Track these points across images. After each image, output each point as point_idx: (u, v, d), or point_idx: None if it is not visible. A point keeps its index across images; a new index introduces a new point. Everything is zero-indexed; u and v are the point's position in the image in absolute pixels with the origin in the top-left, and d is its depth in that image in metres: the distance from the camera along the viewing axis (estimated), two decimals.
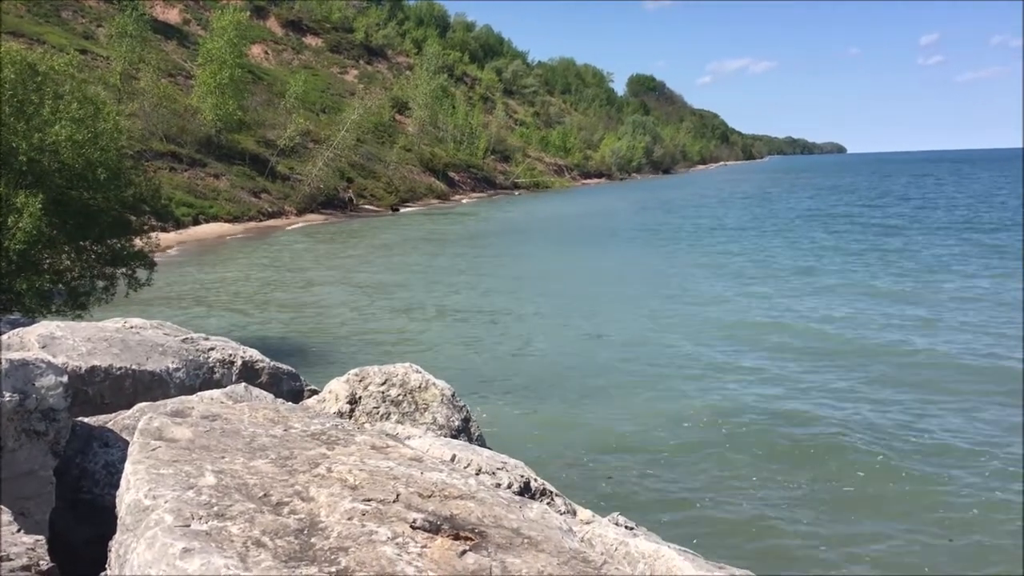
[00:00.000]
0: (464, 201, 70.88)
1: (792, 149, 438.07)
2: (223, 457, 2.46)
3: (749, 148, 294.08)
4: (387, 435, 3.18)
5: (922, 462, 9.81)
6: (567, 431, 11.14)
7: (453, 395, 4.84)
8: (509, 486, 3.13)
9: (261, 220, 45.08)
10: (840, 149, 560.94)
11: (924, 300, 20.11)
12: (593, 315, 19.43)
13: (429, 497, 2.31)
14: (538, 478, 3.34)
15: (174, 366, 4.68)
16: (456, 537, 2.12)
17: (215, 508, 2.10)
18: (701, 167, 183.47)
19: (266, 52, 78.48)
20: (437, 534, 2.12)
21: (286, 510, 2.14)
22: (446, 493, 2.35)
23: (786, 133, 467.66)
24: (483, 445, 4.81)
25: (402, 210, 58.68)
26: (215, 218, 41.60)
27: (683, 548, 2.63)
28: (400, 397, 4.70)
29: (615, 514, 3.25)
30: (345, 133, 56.09)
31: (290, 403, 3.95)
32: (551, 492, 3.36)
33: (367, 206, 56.96)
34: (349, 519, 2.12)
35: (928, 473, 9.47)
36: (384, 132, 72.04)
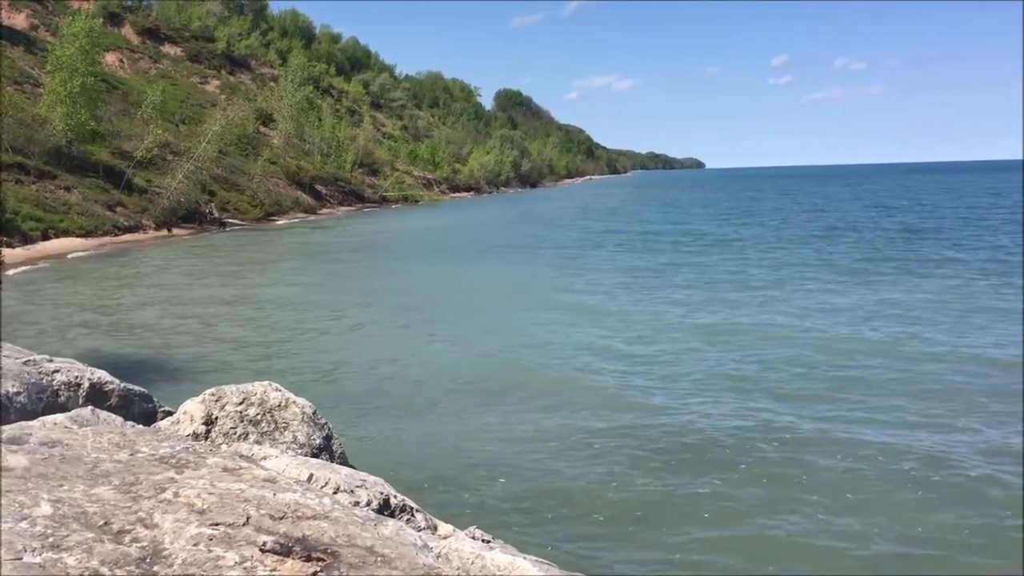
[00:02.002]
0: (333, 215, 69.93)
1: (654, 164, 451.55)
2: (62, 485, 2.35)
3: (614, 163, 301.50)
4: (241, 456, 3.11)
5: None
6: (434, 445, 11.12)
7: (315, 413, 4.76)
8: (368, 504, 3.10)
9: (117, 235, 43.13)
10: (699, 164, 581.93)
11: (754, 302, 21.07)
12: (460, 329, 19.47)
13: (281, 519, 2.27)
14: (398, 495, 3.32)
15: (14, 390, 4.43)
16: (308, 559, 2.09)
17: (50, 539, 2.01)
18: (568, 181, 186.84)
19: (121, 60, 75.37)
20: (288, 556, 2.08)
21: (128, 538, 2.07)
22: (299, 514, 2.31)
23: (649, 148, 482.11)
24: (346, 463, 4.74)
25: (278, 221, 57.46)
26: (66, 233, 39.53)
27: (539, 559, 2.67)
28: (259, 416, 4.59)
29: (472, 528, 3.26)
30: (207, 145, 54.42)
31: (140, 426, 3.80)
32: (411, 508, 3.34)
33: (231, 220, 55.43)
34: (195, 545, 2.06)
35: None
36: (248, 144, 70.26)
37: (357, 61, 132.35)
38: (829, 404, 12.74)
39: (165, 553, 2.01)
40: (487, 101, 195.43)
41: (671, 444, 11.04)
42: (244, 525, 2.19)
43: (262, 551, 2.07)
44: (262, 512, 2.28)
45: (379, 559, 2.13)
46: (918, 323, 18.68)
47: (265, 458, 3.45)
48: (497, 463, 10.40)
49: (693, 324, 19.29)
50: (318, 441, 4.57)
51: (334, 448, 4.69)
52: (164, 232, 46.97)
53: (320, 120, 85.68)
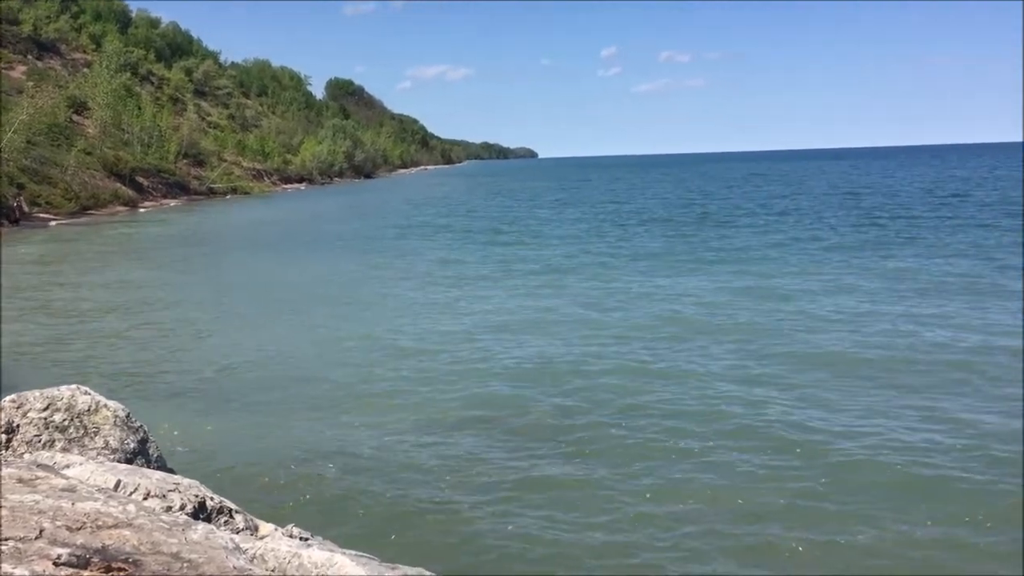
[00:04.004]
0: (156, 208, 66.82)
1: (489, 154, 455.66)
2: None
3: (448, 152, 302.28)
4: (39, 466, 2.94)
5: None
6: (263, 443, 10.84)
7: (128, 416, 4.54)
8: (182, 508, 2.99)
9: None
10: (532, 154, 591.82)
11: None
12: (296, 323, 19.06)
13: (79, 529, 2.16)
14: (216, 496, 3.22)
15: None
16: (107, 570, 2.00)
17: None
18: (403, 171, 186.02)
19: None
20: (85, 569, 1.98)
21: None
22: (99, 523, 2.20)
23: (483, 138, 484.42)
24: (164, 466, 4.56)
25: (97, 214, 54.25)
26: None
27: (359, 553, 2.65)
28: (66, 422, 4.34)
29: (290, 526, 3.21)
30: (13, 135, 50.89)
31: None
32: (230, 509, 3.25)
33: (42, 214, 52.04)
34: None
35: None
36: (60, 134, 66.05)
37: (178, 47, 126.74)
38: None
39: None
40: (318, 90, 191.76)
41: (502, 434, 11.18)
42: (37, 539, 2.07)
43: (56, 564, 1.96)
44: (58, 524, 2.16)
45: (185, 564, 2.06)
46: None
47: (68, 466, 3.27)
48: (326, 458, 10.25)
49: (507, 312, 19.63)
50: (132, 445, 4.37)
51: (150, 452, 4.50)
52: None
53: (140, 108, 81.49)
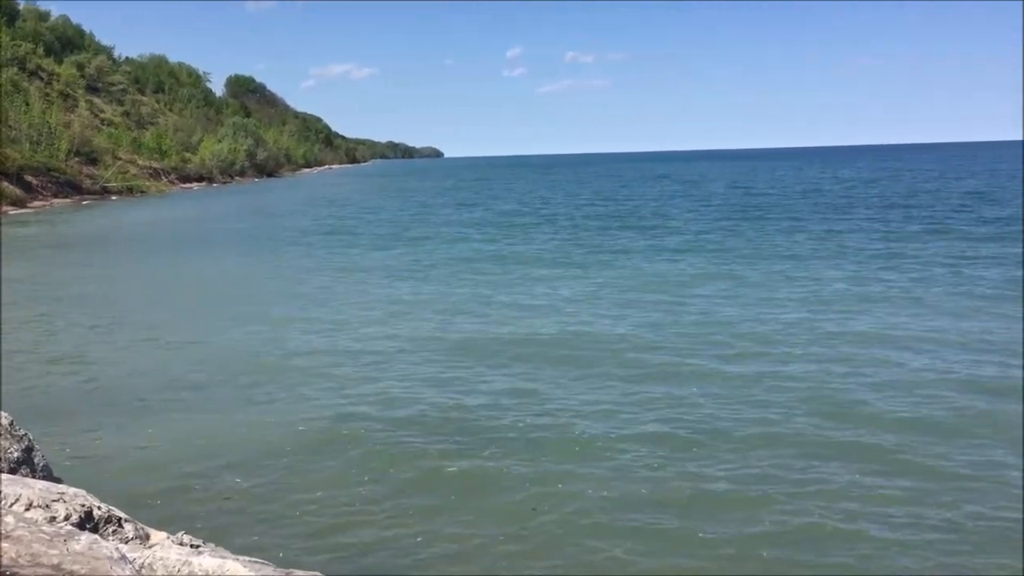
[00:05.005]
0: (45, 208, 64.22)
1: (394, 153, 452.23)
2: None
3: (353, 152, 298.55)
4: None
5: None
6: (157, 450, 10.56)
7: (11, 424, 4.37)
8: (67, 518, 2.88)
9: None
10: (438, 153, 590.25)
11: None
12: (185, 327, 18.60)
13: None
14: (103, 505, 3.12)
15: None
16: None
17: None
18: (307, 170, 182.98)
19: None
20: None
21: None
22: None
23: (388, 138, 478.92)
24: (50, 476, 4.40)
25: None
26: None
27: (252, 560, 2.60)
28: None
29: (181, 534, 3.13)
30: None
31: None
32: (119, 519, 3.15)
33: None
34: None
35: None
36: None
37: (69, 41, 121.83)
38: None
39: None
40: (218, 87, 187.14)
41: (398, 437, 11.15)
42: None
43: None
44: None
45: None
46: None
47: None
48: (222, 464, 10.06)
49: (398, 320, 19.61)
50: (16, 454, 4.20)
51: (36, 461, 4.34)
52: None
53: (28, 104, 78.16)
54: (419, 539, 8.07)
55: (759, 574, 7.50)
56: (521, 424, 11.39)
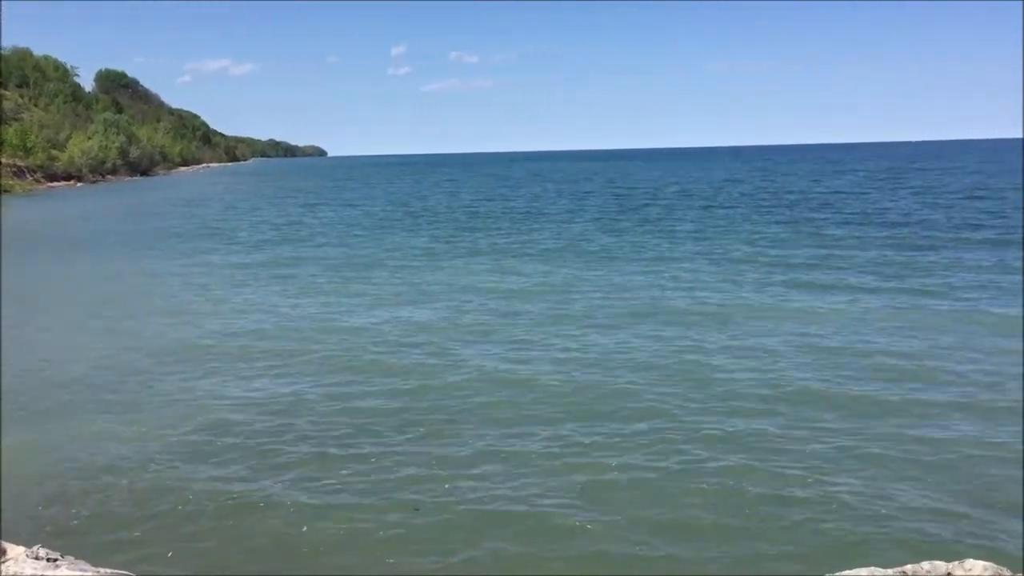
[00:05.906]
0: None
1: (275, 152, 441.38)
2: None
3: (232, 150, 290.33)
4: None
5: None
6: (27, 460, 10.43)
7: None
8: None
9: None
10: (321, 152, 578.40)
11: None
12: (60, 331, 18.30)
13: None
14: None
15: None
16: None
17: None
18: (184, 169, 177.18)
19: None
20: None
21: None
22: None
23: (269, 136, 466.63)
24: None
25: None
26: None
27: (116, 571, 2.82)
28: None
29: (37, 547, 3.22)
30: None
31: None
32: None
33: None
34: None
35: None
36: None
37: None
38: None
39: None
40: (87, 82, 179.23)
41: (280, 440, 11.33)
42: None
43: None
44: None
45: None
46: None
47: None
48: (90, 474, 9.95)
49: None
50: None
51: None
52: None
53: None
54: (305, 547, 8.20)
55: (638, 554, 8.10)
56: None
